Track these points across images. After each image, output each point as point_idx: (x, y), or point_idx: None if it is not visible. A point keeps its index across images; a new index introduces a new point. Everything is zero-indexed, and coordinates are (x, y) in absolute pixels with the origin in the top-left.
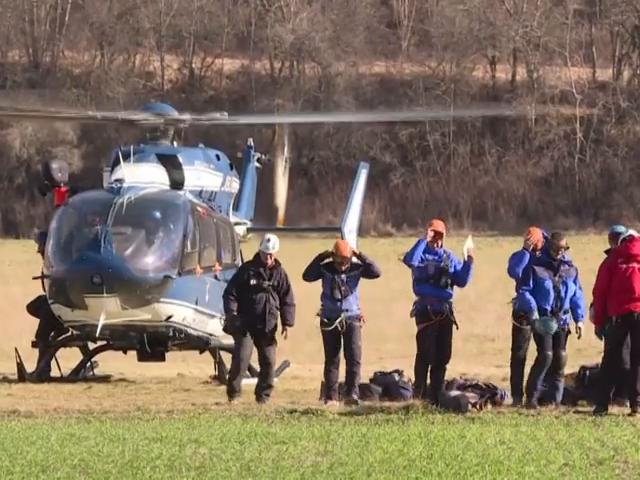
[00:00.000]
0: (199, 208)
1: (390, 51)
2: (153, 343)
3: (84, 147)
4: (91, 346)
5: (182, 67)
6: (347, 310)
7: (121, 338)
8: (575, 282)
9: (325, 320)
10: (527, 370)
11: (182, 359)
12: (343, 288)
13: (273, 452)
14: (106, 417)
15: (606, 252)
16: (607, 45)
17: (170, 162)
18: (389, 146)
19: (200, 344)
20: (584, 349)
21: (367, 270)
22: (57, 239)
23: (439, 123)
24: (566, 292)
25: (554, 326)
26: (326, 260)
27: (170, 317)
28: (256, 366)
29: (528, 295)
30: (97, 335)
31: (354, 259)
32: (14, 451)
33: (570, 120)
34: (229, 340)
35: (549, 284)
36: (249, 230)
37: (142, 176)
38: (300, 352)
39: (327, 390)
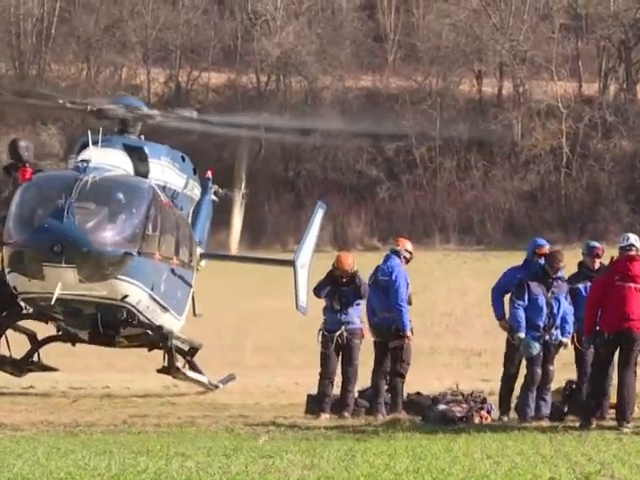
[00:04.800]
0: (162, 197)
1: (376, 65)
2: (105, 325)
3: None
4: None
5: (168, 80)
6: (348, 322)
7: (74, 315)
8: (566, 297)
9: (326, 333)
10: (517, 385)
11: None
12: (343, 300)
13: (259, 466)
14: (92, 430)
15: (579, 265)
16: (593, 59)
17: (136, 153)
18: (375, 160)
19: (156, 339)
20: (570, 363)
21: (355, 290)
22: (19, 211)
23: (425, 137)
24: (559, 308)
25: (536, 348)
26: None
27: (125, 297)
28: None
29: (521, 313)
30: (52, 304)
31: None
32: (0, 464)
33: (556, 134)
34: (180, 339)
35: (542, 300)
36: (202, 256)
37: (108, 159)
38: (285, 366)
39: (320, 403)
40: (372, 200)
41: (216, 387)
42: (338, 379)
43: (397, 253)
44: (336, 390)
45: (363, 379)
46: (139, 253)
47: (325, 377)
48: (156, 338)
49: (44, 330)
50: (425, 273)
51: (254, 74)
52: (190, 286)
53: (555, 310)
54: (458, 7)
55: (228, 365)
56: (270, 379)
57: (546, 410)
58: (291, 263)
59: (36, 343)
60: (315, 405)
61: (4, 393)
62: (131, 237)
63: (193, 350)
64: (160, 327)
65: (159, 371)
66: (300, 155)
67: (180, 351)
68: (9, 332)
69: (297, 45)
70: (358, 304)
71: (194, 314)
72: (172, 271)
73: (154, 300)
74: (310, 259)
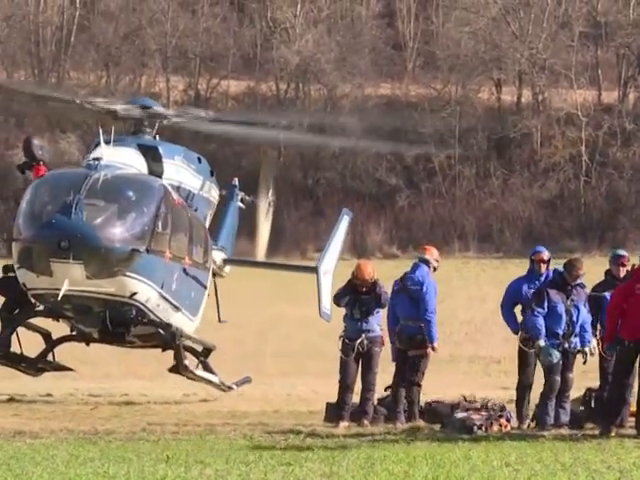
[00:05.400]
0: (174, 196)
1: (396, 73)
2: (114, 323)
3: None
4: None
5: (188, 88)
6: (368, 331)
7: (83, 312)
8: (585, 305)
9: (347, 341)
10: (534, 393)
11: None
12: (363, 308)
13: (279, 473)
14: (111, 438)
15: (606, 273)
16: (613, 68)
17: (150, 153)
18: (394, 168)
19: (166, 338)
20: (590, 371)
21: (375, 298)
22: (28, 207)
23: (444, 145)
24: (578, 316)
25: (557, 356)
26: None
27: (134, 294)
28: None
29: (541, 320)
30: (59, 299)
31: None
32: (19, 472)
33: (576, 142)
34: (194, 340)
35: (561, 308)
36: (226, 262)
37: (120, 158)
38: (305, 373)
39: (339, 410)
40: (391, 208)
41: (229, 388)
42: (357, 387)
43: (426, 262)
44: (355, 398)
45: (382, 387)
46: (148, 250)
47: (345, 385)
48: (165, 336)
49: (60, 330)
50: (444, 281)
51: (273, 82)
52: (205, 287)
53: (574, 318)
54: (477, 15)
55: (248, 372)
56: (290, 387)
57: (565, 418)
58: (314, 270)
59: (51, 342)
60: (334, 413)
61: (23, 401)
62: (140, 234)
63: (207, 351)
64: (169, 325)
65: (170, 370)
66: (319, 163)
67: (194, 351)
68: (25, 332)
69: (316, 53)
70: (378, 312)
71: (219, 320)
72: (184, 271)
73: (164, 299)
74: (334, 266)
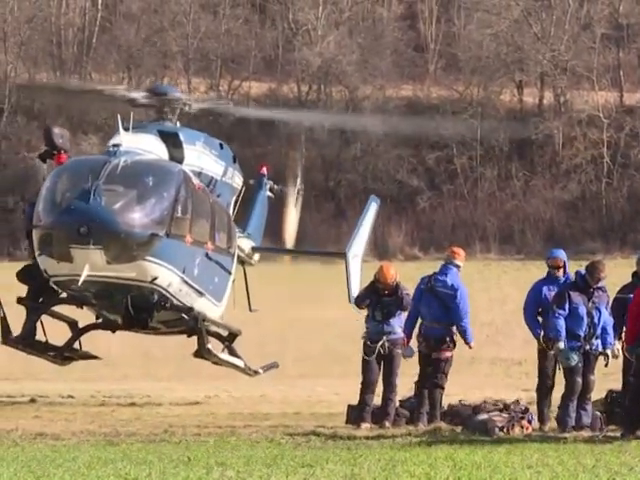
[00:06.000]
0: (194, 181)
1: (417, 74)
2: (137, 309)
3: None
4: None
5: (209, 90)
6: (390, 333)
7: (104, 298)
8: (606, 308)
9: (368, 343)
10: (555, 395)
11: (210, 378)
12: (385, 310)
13: (300, 475)
14: (133, 440)
15: (633, 275)
16: (635, 69)
17: (171, 139)
18: (416, 169)
19: (189, 323)
20: (611, 373)
21: (397, 301)
22: (48, 194)
23: (466, 147)
24: (599, 318)
25: (575, 358)
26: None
27: (155, 279)
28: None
29: (561, 322)
30: (79, 285)
31: None
32: (41, 473)
33: (597, 144)
34: (218, 325)
35: (583, 310)
36: (254, 250)
37: (140, 144)
38: (326, 376)
39: (360, 412)
40: (413, 210)
41: (256, 373)
42: (379, 389)
43: (456, 265)
44: (377, 400)
45: (404, 389)
46: (167, 235)
47: (366, 386)
48: (188, 321)
49: (87, 319)
50: (466, 283)
51: (295, 84)
52: (229, 273)
53: (596, 320)
54: (499, 17)
55: (269, 374)
56: (311, 389)
57: (587, 420)
58: (343, 255)
59: (77, 331)
60: (356, 415)
61: (44, 402)
62: (159, 219)
63: (232, 336)
64: (191, 308)
65: (195, 355)
66: (341, 165)
67: (219, 337)
68: (51, 321)
69: (338, 55)
70: (400, 314)
71: (249, 309)
72: (207, 256)
73: (187, 283)
74: (363, 251)
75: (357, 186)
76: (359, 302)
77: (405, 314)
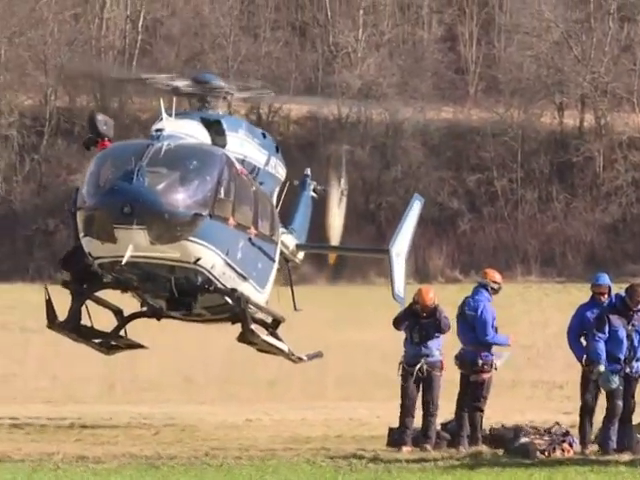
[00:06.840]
0: (237, 165)
1: (458, 97)
2: (181, 291)
3: None
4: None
5: (250, 112)
6: (427, 355)
7: (148, 279)
8: None
9: (406, 366)
10: (597, 418)
11: (250, 402)
12: (423, 332)
13: None
14: (174, 463)
15: None
16: None
17: (213, 126)
18: (456, 192)
19: (233, 307)
20: None
21: (435, 323)
22: (92, 177)
23: (506, 169)
24: (639, 341)
25: (616, 381)
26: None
27: (198, 260)
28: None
29: (601, 345)
30: (123, 265)
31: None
32: None
33: (638, 166)
34: (263, 310)
35: (622, 333)
36: (298, 247)
37: (183, 129)
38: (367, 398)
39: (401, 435)
40: (453, 232)
41: (300, 359)
42: (418, 412)
43: (485, 286)
44: (418, 423)
45: (445, 412)
46: (210, 216)
47: (405, 410)
48: (232, 306)
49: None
50: (506, 306)
51: (335, 106)
52: (273, 260)
53: (636, 343)
54: (539, 39)
55: (310, 397)
56: (352, 411)
57: (628, 443)
58: (386, 252)
59: (123, 319)
60: (397, 438)
61: (85, 425)
62: (202, 199)
63: (275, 322)
64: (234, 289)
65: (238, 339)
66: (381, 187)
67: (263, 323)
68: (97, 309)
69: (378, 77)
70: (438, 336)
71: (294, 308)
72: (250, 240)
73: (230, 266)
74: (406, 249)
75: (397, 208)
76: (397, 325)
77: (443, 337)
